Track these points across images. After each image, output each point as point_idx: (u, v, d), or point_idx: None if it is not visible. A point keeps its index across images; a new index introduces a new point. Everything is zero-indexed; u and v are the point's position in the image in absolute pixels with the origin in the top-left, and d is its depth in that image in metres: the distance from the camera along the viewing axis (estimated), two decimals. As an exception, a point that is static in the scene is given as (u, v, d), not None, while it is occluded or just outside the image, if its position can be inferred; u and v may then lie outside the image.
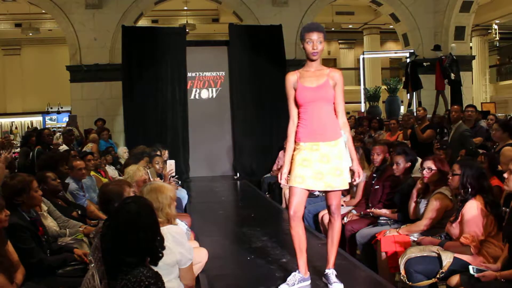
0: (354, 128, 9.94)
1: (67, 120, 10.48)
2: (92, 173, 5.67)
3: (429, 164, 3.94)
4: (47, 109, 19.20)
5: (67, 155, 5.35)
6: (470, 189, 3.31)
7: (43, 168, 4.41)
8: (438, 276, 3.19)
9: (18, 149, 7.35)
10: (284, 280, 3.23)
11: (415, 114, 8.67)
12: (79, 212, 4.39)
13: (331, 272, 3.22)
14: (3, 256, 2.80)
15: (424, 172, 3.96)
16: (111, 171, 6.77)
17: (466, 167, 3.38)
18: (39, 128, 11.36)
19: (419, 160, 5.05)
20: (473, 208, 3.24)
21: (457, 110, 6.66)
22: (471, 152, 4.94)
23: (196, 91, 9.35)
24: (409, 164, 4.45)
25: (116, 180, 3.53)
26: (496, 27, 18.27)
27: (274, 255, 3.97)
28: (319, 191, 6.04)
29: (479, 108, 11.89)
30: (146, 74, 8.89)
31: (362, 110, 12.87)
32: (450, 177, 3.53)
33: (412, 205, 4.07)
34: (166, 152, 7.24)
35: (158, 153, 6.46)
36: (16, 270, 2.91)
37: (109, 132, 9.32)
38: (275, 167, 8.41)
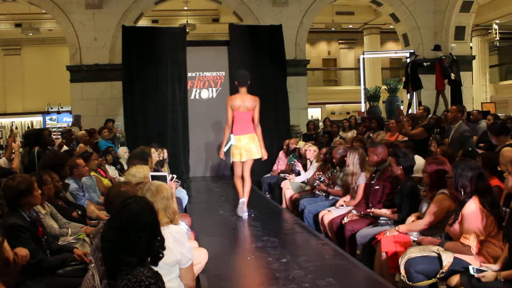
0: (355, 128, 9.93)
1: (72, 120, 10.51)
2: (92, 173, 5.67)
3: (424, 166, 4.01)
4: (47, 109, 19.17)
5: (69, 156, 5.33)
6: (464, 191, 3.29)
7: (47, 168, 4.39)
8: (438, 276, 3.19)
9: (21, 149, 7.31)
10: (284, 280, 3.23)
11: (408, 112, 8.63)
12: (79, 212, 4.39)
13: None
14: None
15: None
16: (111, 171, 6.76)
17: (459, 169, 3.36)
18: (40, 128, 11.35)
19: (420, 160, 5.06)
20: (472, 209, 3.23)
21: (454, 111, 6.65)
22: (468, 153, 4.91)
23: (196, 91, 9.35)
24: (400, 167, 4.31)
25: (131, 182, 3.51)
26: (496, 27, 18.25)
27: (274, 255, 3.97)
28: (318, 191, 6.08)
29: (479, 108, 11.93)
30: (146, 74, 8.89)
31: (362, 110, 12.86)
32: (448, 180, 3.53)
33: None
34: (165, 150, 7.21)
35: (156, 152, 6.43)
36: (12, 267, 2.90)
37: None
38: (275, 167, 8.40)
